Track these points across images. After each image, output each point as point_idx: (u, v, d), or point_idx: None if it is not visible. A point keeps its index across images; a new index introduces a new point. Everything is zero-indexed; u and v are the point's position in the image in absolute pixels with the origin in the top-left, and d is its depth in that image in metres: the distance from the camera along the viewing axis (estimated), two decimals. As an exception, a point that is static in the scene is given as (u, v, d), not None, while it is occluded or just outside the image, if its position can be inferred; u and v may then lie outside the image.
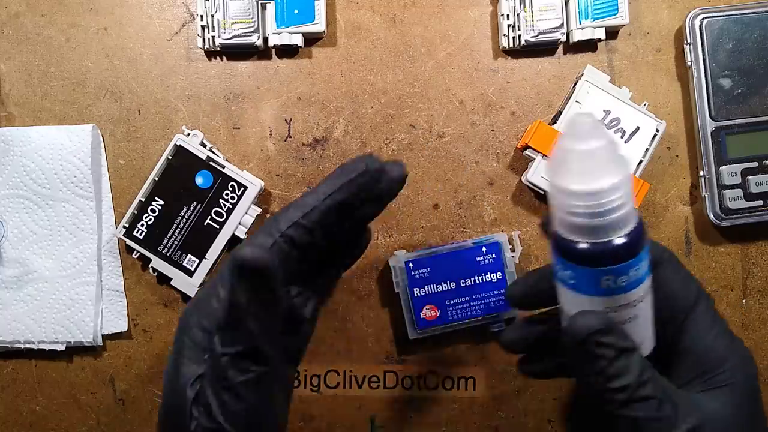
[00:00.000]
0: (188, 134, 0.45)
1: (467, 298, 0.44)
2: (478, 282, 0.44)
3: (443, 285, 0.44)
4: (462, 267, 0.43)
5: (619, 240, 0.28)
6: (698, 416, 0.29)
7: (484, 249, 0.43)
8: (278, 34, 0.45)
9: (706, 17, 0.44)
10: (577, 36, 0.45)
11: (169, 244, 0.45)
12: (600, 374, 0.29)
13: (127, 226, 0.45)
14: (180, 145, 0.45)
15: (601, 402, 0.29)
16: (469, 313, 0.44)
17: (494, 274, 0.44)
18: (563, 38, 0.45)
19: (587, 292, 0.29)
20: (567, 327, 0.30)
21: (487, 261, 0.44)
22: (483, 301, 0.44)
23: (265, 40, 0.46)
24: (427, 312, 0.44)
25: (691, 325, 0.32)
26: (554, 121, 0.45)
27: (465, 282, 0.44)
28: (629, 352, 0.29)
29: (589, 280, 0.29)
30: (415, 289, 0.44)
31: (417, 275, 0.43)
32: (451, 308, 0.44)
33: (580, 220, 0.27)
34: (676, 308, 0.32)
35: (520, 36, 0.45)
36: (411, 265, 0.44)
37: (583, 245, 0.28)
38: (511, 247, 0.44)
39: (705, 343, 0.31)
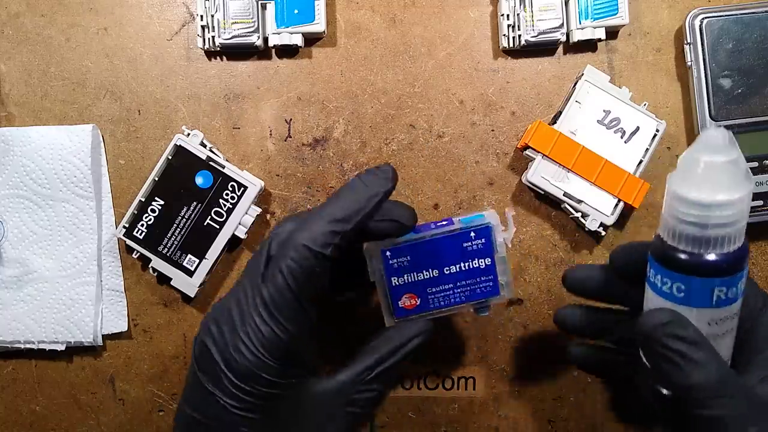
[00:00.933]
0: (188, 134, 0.45)
1: (451, 285, 0.38)
2: (464, 269, 0.38)
3: (425, 273, 0.38)
4: (447, 254, 0.37)
5: (737, 250, 0.28)
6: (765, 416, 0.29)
7: (472, 234, 0.37)
8: (278, 34, 0.45)
9: (706, 17, 0.44)
10: (577, 36, 0.45)
11: (169, 244, 0.45)
12: (679, 369, 0.29)
13: (127, 226, 0.45)
14: (180, 145, 0.45)
15: (679, 400, 0.30)
16: (452, 300, 0.39)
17: (483, 260, 0.38)
18: (563, 38, 0.45)
19: (698, 304, 0.29)
20: (644, 318, 0.31)
21: (475, 246, 0.37)
22: (468, 288, 0.38)
23: (265, 40, 0.46)
24: (406, 301, 0.39)
25: (760, 327, 0.33)
26: (554, 121, 0.45)
27: (449, 269, 0.38)
28: (708, 350, 0.30)
29: (703, 293, 0.29)
30: (393, 278, 0.38)
31: (395, 264, 0.37)
32: (432, 296, 0.38)
33: (707, 231, 0.27)
34: (747, 311, 0.33)
35: (520, 36, 0.45)
36: (389, 253, 0.37)
37: (707, 256, 0.28)
38: (503, 228, 0.38)
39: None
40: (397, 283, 0.38)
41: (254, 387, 0.31)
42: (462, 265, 0.38)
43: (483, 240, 0.37)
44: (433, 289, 0.38)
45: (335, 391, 0.33)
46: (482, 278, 0.38)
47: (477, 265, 0.38)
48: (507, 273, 0.38)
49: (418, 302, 0.39)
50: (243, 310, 0.32)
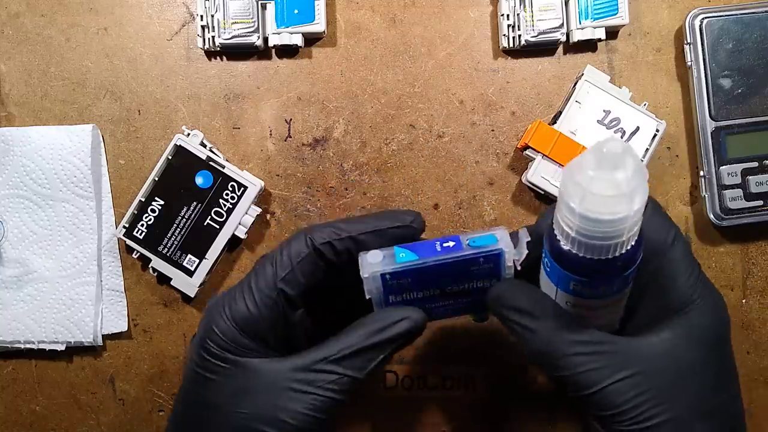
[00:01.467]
0: (188, 134, 0.45)
1: (451, 301, 0.35)
2: (466, 288, 0.34)
3: (425, 292, 0.34)
4: (451, 276, 0.34)
5: (607, 261, 0.27)
6: (639, 364, 0.29)
7: (481, 260, 0.33)
8: (278, 34, 0.45)
9: (706, 17, 0.44)
10: (577, 36, 0.45)
11: (169, 244, 0.45)
12: (523, 338, 0.31)
13: (127, 226, 0.45)
14: (180, 145, 0.45)
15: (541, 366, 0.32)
16: (450, 311, 0.36)
17: (488, 281, 0.34)
18: (563, 38, 0.45)
19: (558, 285, 0.30)
20: (490, 290, 0.33)
21: (483, 269, 0.34)
22: (470, 302, 0.35)
23: (265, 40, 0.46)
24: None
25: (664, 264, 0.32)
26: (554, 121, 0.45)
27: (452, 288, 0.34)
28: (546, 317, 0.31)
29: (561, 278, 0.30)
30: (390, 296, 0.34)
31: (394, 284, 0.33)
32: (431, 309, 0.35)
33: (580, 239, 0.27)
34: (652, 250, 0.32)
35: (520, 36, 0.45)
36: (388, 277, 0.33)
37: (576, 254, 0.28)
38: (514, 253, 0.33)
39: (675, 284, 0.31)
40: (394, 300, 0.34)
41: (215, 348, 0.33)
42: (466, 285, 0.34)
43: (492, 264, 0.33)
44: (432, 305, 0.35)
45: (294, 368, 0.32)
46: (483, 296, 0.35)
47: (481, 285, 0.34)
48: None
49: None
50: (238, 287, 0.34)
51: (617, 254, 0.27)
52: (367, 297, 0.34)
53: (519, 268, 0.34)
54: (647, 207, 0.30)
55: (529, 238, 0.32)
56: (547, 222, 0.31)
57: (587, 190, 0.25)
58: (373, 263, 0.33)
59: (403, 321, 0.33)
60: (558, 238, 0.29)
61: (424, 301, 0.34)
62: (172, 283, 0.45)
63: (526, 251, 0.33)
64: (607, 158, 0.25)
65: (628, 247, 0.27)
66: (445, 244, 0.33)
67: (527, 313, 0.31)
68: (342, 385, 0.32)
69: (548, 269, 0.31)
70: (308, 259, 0.34)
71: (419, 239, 0.35)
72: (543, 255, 0.31)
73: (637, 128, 0.45)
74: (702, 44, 0.45)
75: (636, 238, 0.28)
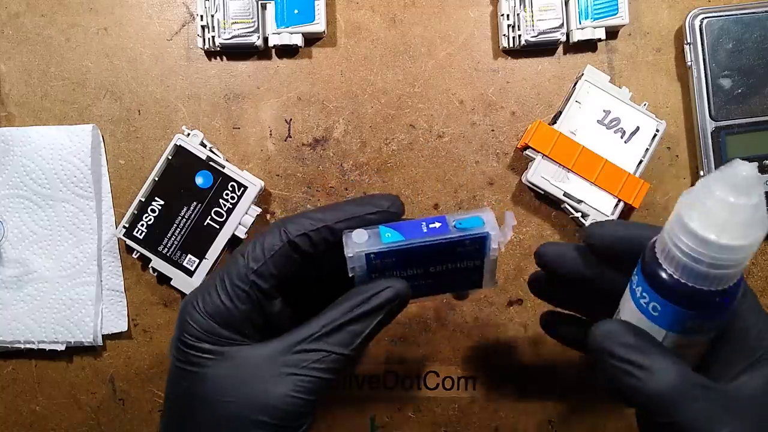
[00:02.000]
0: (188, 134, 0.45)
1: (434, 280, 0.35)
2: (451, 268, 0.35)
3: (409, 271, 0.34)
4: (436, 257, 0.34)
5: (723, 291, 0.26)
6: (743, 410, 0.28)
7: (467, 242, 0.33)
8: (278, 34, 0.45)
9: (706, 17, 0.44)
10: (577, 36, 0.45)
11: (169, 244, 0.45)
12: (634, 379, 0.28)
13: (127, 226, 0.45)
14: (180, 145, 0.45)
15: (641, 409, 0.29)
16: (433, 290, 0.36)
17: (473, 261, 0.34)
18: (563, 38, 0.45)
19: (668, 328, 0.28)
20: (595, 329, 0.30)
21: (468, 249, 0.34)
22: (453, 281, 0.35)
23: (265, 40, 0.46)
24: None
25: (738, 318, 0.31)
26: (554, 121, 0.45)
27: (436, 268, 0.34)
28: (663, 355, 0.28)
29: (676, 320, 0.28)
30: (374, 275, 0.34)
31: (379, 264, 0.33)
32: (414, 287, 0.35)
33: (700, 267, 0.26)
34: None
35: (520, 36, 0.45)
36: (372, 256, 0.33)
37: (688, 286, 0.26)
38: (500, 234, 0.33)
39: (752, 324, 0.30)
40: (377, 279, 0.34)
41: (193, 340, 0.32)
42: (450, 265, 0.34)
43: (477, 246, 0.34)
44: (416, 283, 0.35)
45: (276, 351, 0.32)
46: (470, 275, 0.35)
47: (466, 265, 0.35)
48: (495, 270, 0.36)
49: None
50: (211, 280, 0.34)
51: (731, 284, 0.27)
52: (350, 275, 0.33)
53: (503, 249, 0.35)
54: None
55: (515, 222, 0.31)
56: (634, 244, 0.29)
57: (721, 217, 0.25)
58: (359, 243, 0.33)
59: (387, 290, 0.32)
60: (670, 269, 0.27)
61: (408, 280, 0.34)
62: (172, 283, 0.45)
63: (511, 234, 0.33)
64: (743, 183, 0.24)
65: (739, 276, 0.27)
66: (431, 225, 0.33)
67: (639, 350, 0.29)
68: (328, 363, 0.31)
69: (655, 314, 0.29)
70: (281, 252, 0.33)
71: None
72: (634, 289, 0.29)
73: (637, 128, 0.45)
74: (702, 44, 0.45)
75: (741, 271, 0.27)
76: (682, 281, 0.27)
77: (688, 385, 0.28)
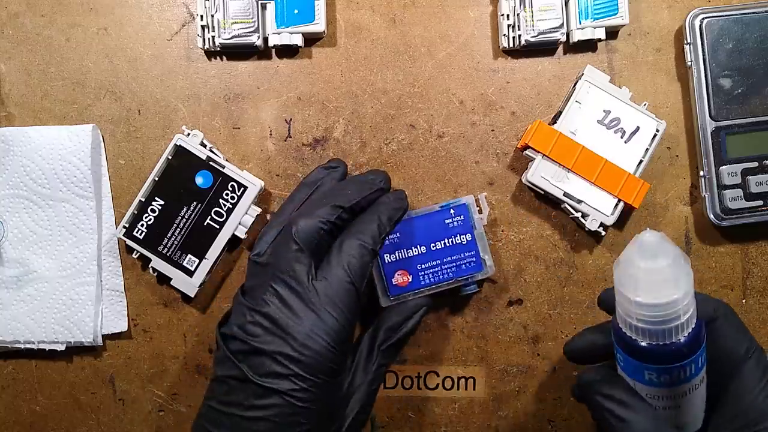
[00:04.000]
0: (188, 134, 0.45)
1: (438, 261, 0.44)
2: (448, 245, 0.44)
3: (414, 249, 0.44)
4: (431, 231, 0.44)
5: (669, 344, 0.29)
6: None
7: (452, 211, 0.44)
8: (278, 34, 0.45)
9: (706, 17, 0.44)
10: (577, 36, 0.45)
11: (169, 244, 0.45)
12: (611, 426, 0.31)
13: (127, 226, 0.45)
14: (180, 145, 0.45)
15: None
16: (441, 276, 0.44)
17: (464, 236, 0.44)
18: (563, 38, 0.45)
19: (633, 377, 0.31)
20: (580, 374, 0.33)
21: (456, 223, 0.44)
22: (454, 264, 0.44)
23: (265, 40, 0.46)
24: (399, 278, 0.43)
25: (738, 377, 0.32)
26: (554, 121, 0.45)
27: (435, 245, 0.44)
28: (638, 409, 0.31)
29: (636, 370, 0.31)
30: (385, 255, 0.43)
31: (387, 241, 0.42)
32: (422, 273, 0.44)
33: (641, 325, 0.29)
34: (727, 361, 0.32)
35: (520, 36, 0.45)
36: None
37: (642, 344, 0.30)
38: (478, 208, 0.44)
39: (750, 397, 0.31)
40: (389, 260, 0.43)
41: (319, 377, 0.34)
42: (446, 241, 0.44)
43: (462, 217, 0.44)
44: (423, 266, 0.43)
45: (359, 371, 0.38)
46: (465, 254, 0.44)
47: (459, 241, 0.44)
48: (487, 251, 0.44)
49: (410, 279, 0.43)
50: (296, 307, 0.35)
51: (680, 338, 0.29)
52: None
53: (485, 222, 0.44)
54: (720, 314, 0.32)
55: (486, 194, 0.44)
56: (615, 321, 0.32)
57: (638, 280, 0.29)
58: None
59: (421, 309, 0.42)
60: (623, 329, 0.31)
61: (415, 262, 0.43)
62: (172, 283, 0.45)
63: (488, 209, 0.44)
64: (647, 248, 0.28)
65: (689, 330, 0.29)
66: (422, 209, 0.45)
67: (622, 403, 0.31)
68: (383, 376, 0.41)
69: (622, 364, 0.32)
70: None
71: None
72: (615, 351, 0.33)
73: (637, 128, 0.45)
74: (702, 44, 0.45)
75: (695, 321, 0.30)
76: (628, 335, 0.30)
77: None
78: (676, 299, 0.28)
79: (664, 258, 0.28)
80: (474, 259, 0.44)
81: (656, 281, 0.28)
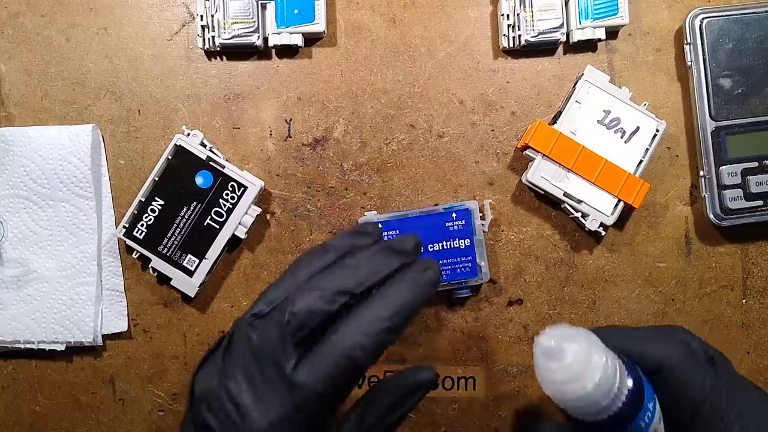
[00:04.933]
0: (188, 134, 0.45)
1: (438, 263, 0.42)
2: (446, 247, 0.44)
3: None
4: (431, 231, 0.44)
5: (616, 412, 0.29)
6: None
7: (454, 215, 0.44)
8: (278, 34, 0.45)
9: (706, 17, 0.44)
10: (577, 36, 0.45)
11: (169, 244, 0.45)
12: None
13: (127, 226, 0.45)
14: (180, 145, 0.45)
15: None
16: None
17: (463, 241, 0.44)
18: (563, 38, 0.45)
19: None
20: None
21: (456, 227, 0.44)
22: (450, 267, 0.44)
23: (265, 40, 0.46)
24: None
25: (701, 420, 0.31)
26: (554, 121, 0.45)
27: (433, 246, 0.44)
28: None
29: None
30: None
31: (386, 237, 0.43)
32: None
33: (572, 412, 0.31)
34: (686, 405, 0.31)
35: (520, 36, 0.45)
36: (380, 226, 0.43)
37: (588, 419, 0.30)
38: (481, 215, 0.44)
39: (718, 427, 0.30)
40: None
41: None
42: (444, 243, 0.44)
43: (463, 221, 0.44)
44: None
45: None
46: (462, 258, 0.44)
47: (457, 245, 0.44)
48: (484, 258, 0.44)
49: None
50: (263, 397, 0.29)
51: (611, 413, 0.30)
52: None
53: (486, 229, 0.44)
54: (667, 363, 0.31)
55: (491, 201, 0.40)
56: None
57: (545, 378, 0.29)
58: (369, 216, 0.45)
59: (424, 387, 0.33)
60: (574, 416, 0.31)
61: None
62: (172, 283, 0.45)
63: (491, 216, 0.45)
64: (547, 352, 0.29)
65: (619, 405, 0.29)
66: (424, 209, 0.45)
67: None
68: None
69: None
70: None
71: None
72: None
73: (637, 128, 0.45)
74: (702, 44, 0.45)
75: (627, 387, 0.30)
76: (566, 413, 0.32)
77: None
78: (587, 393, 0.29)
79: (563, 360, 0.29)
80: (470, 264, 0.44)
81: (563, 380, 0.29)
